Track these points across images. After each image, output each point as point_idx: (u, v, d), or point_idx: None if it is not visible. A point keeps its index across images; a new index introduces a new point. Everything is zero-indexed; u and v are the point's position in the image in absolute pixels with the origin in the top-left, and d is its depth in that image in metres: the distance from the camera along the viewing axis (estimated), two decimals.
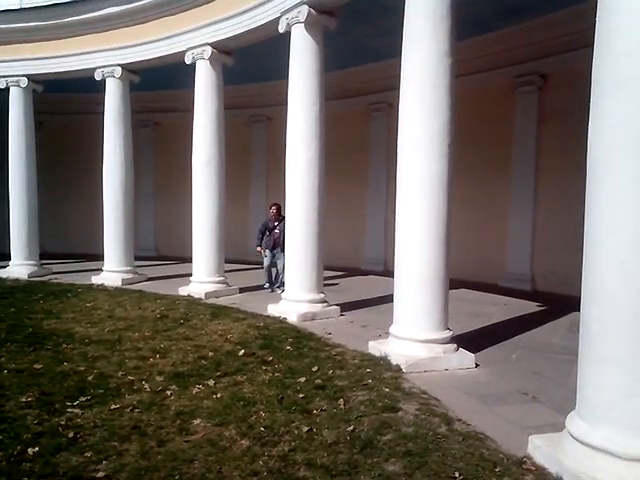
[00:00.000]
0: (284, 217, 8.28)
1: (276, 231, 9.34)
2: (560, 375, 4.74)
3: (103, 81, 10.51)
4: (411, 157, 5.10)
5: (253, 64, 10.64)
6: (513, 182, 10.35)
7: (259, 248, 9.59)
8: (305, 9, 6.95)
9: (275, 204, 9.50)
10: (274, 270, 9.63)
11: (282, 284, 8.60)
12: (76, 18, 10.21)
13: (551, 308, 8.05)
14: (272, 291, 9.41)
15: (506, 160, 10.42)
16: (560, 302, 8.06)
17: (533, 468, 3.05)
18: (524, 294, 9.35)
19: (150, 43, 9.73)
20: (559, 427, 3.25)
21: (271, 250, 9.45)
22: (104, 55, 10.31)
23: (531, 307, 8.25)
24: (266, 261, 9.57)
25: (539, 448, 3.15)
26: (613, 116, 2.78)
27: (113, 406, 3.92)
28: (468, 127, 9.86)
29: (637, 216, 2.72)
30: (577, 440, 2.94)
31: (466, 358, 5.11)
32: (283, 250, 8.48)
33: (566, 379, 4.48)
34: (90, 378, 4.56)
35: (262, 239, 9.57)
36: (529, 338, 6.28)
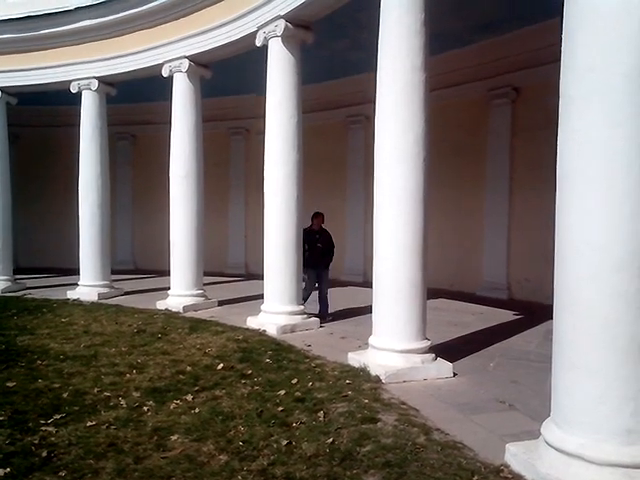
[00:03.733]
0: (326, 230, 7.83)
1: (319, 245, 8.04)
2: (536, 383, 4.81)
3: (79, 94, 10.41)
4: (387, 169, 5.17)
5: (232, 77, 10.67)
6: (488, 192, 10.52)
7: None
8: (282, 23, 7.02)
9: (319, 213, 8.23)
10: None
11: (326, 308, 8.05)
12: (51, 30, 10.11)
13: (527, 316, 8.17)
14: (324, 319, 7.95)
15: (481, 171, 10.61)
16: (536, 310, 8.19)
17: (510, 476, 3.08)
18: (501, 303, 9.48)
19: (127, 56, 9.69)
20: (535, 434, 3.30)
21: (314, 268, 7.99)
22: (80, 68, 10.22)
23: (508, 315, 8.37)
24: (307, 282, 8.00)
25: (515, 456, 3.19)
26: (579, 130, 2.87)
27: (89, 423, 3.84)
28: (444, 139, 10.04)
29: (606, 225, 2.80)
30: (552, 447, 2.98)
31: (444, 367, 5.15)
32: (327, 268, 8.00)
33: (542, 387, 4.53)
34: (65, 395, 4.47)
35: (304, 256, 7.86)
36: (506, 346, 6.36)
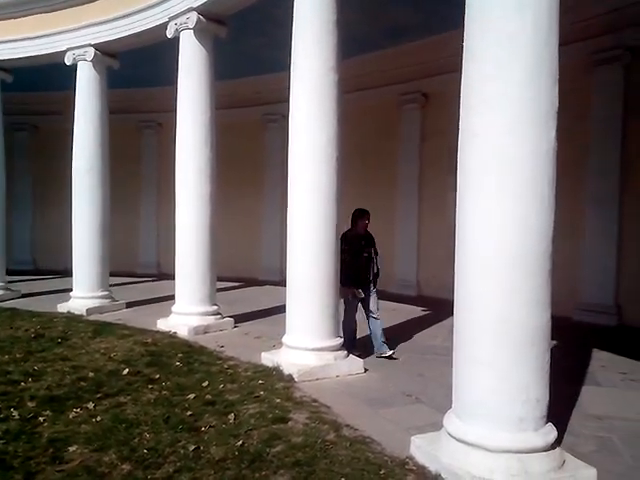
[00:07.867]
0: (371, 234, 5.99)
1: (365, 254, 5.92)
2: (441, 376, 4.98)
3: None
4: (300, 168, 5.18)
5: (143, 68, 10.21)
6: (400, 194, 10.88)
7: (356, 290, 5.80)
8: (194, 16, 6.83)
9: (364, 211, 5.94)
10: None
11: (384, 341, 5.78)
12: None
13: (434, 312, 8.54)
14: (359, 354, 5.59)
15: (393, 174, 10.95)
16: (442, 306, 8.54)
17: (415, 468, 3.19)
18: (411, 299, 9.87)
19: (24, 40, 8.99)
20: (439, 426, 3.42)
21: (359, 287, 5.83)
22: None
23: (416, 311, 8.72)
24: (348, 308, 5.90)
25: (420, 448, 3.30)
26: (478, 136, 3.02)
27: None
28: (358, 142, 10.26)
29: (500, 226, 2.97)
30: (453, 437, 3.12)
31: (355, 364, 5.24)
32: (375, 286, 5.96)
33: (447, 379, 4.65)
34: None
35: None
36: (414, 341, 6.62)
